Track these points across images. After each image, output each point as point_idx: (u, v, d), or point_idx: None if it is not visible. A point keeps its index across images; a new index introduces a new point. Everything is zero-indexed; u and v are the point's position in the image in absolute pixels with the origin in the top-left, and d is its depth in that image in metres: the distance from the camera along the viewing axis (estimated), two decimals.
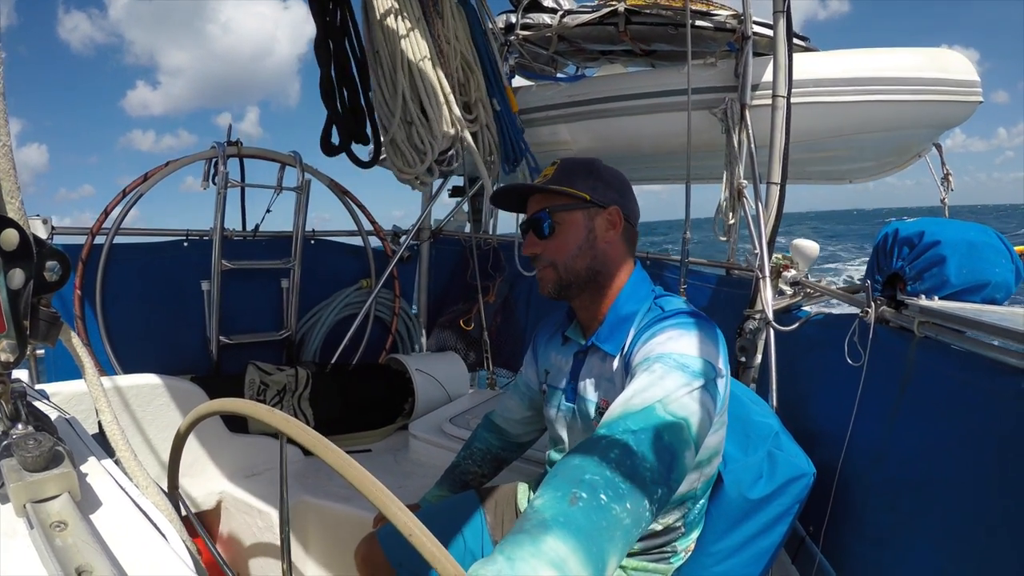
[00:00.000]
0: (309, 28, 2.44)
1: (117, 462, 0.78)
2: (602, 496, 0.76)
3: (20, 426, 0.74)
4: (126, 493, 0.73)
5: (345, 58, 2.48)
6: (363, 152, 2.72)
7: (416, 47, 2.48)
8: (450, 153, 2.68)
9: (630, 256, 1.31)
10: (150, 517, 0.68)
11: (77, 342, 0.77)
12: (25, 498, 0.65)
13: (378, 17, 2.44)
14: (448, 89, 2.57)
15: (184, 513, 0.94)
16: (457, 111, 2.59)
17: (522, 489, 1.58)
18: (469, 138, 2.67)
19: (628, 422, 0.89)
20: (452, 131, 2.56)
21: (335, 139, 2.59)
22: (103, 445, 0.85)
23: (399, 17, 2.47)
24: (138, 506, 0.70)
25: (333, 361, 3.07)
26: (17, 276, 0.66)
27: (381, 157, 2.73)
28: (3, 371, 0.72)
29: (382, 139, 2.62)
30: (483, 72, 2.86)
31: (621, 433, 0.86)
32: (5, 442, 0.71)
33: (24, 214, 0.69)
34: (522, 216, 1.41)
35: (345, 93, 2.56)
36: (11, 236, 0.65)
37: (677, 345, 1.06)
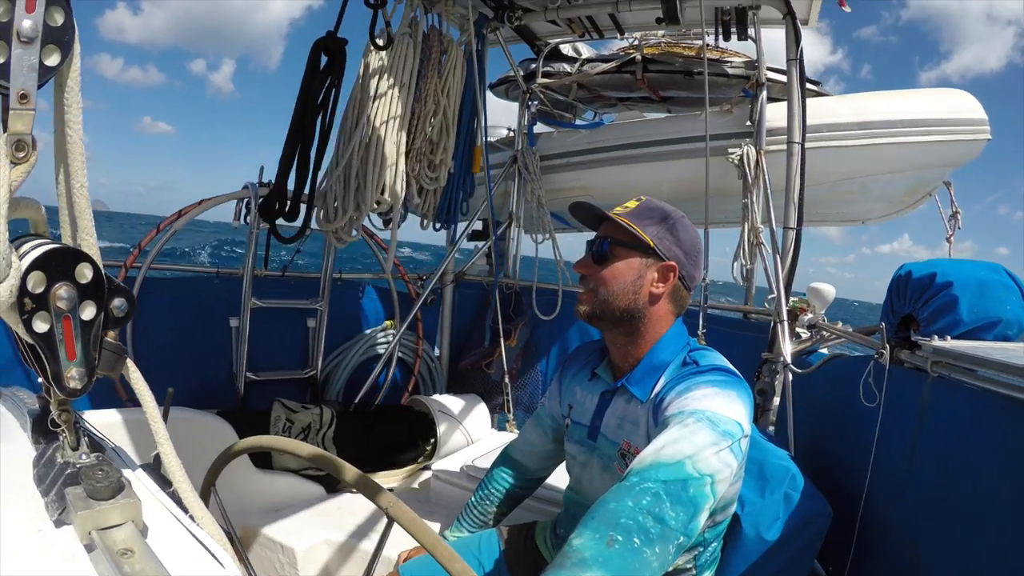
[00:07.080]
0: None
1: (172, 494, 0.80)
2: (635, 539, 0.84)
3: (83, 456, 0.77)
4: (180, 523, 0.75)
5: (312, 132, 2.57)
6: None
7: (389, 108, 2.59)
8: (392, 211, 2.80)
9: (673, 314, 1.32)
10: (207, 547, 0.70)
11: (137, 375, 0.80)
12: (91, 525, 0.67)
13: (370, 71, 2.56)
14: (402, 151, 2.69)
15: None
16: (400, 180, 2.70)
17: (539, 528, 1.61)
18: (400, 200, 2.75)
19: (660, 472, 0.96)
20: (389, 198, 2.68)
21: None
22: (150, 474, 0.87)
23: (388, 74, 2.58)
24: (194, 536, 0.73)
25: (356, 401, 3.11)
26: (88, 308, 0.70)
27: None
28: (69, 399, 0.74)
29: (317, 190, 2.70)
30: (458, 129, 2.99)
31: (653, 482, 0.94)
32: (69, 470, 0.73)
33: (98, 251, 0.73)
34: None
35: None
36: (86, 270, 0.69)
37: (711, 403, 1.10)
